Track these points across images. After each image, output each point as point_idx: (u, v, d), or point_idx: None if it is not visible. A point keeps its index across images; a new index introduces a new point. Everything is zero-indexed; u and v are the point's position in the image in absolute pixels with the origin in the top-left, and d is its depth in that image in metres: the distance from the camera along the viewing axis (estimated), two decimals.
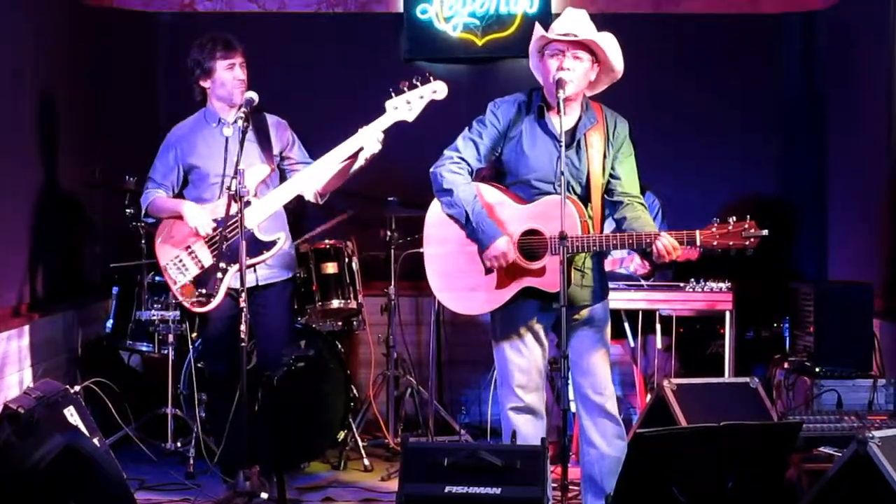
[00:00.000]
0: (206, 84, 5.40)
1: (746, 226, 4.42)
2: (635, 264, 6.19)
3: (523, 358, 4.71)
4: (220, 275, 5.21)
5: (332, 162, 5.20)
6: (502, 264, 4.57)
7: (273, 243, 5.26)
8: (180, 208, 5.34)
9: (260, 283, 5.38)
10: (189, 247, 5.32)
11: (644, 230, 4.55)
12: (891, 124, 5.99)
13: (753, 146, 7.28)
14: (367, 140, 5.11)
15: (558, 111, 4.46)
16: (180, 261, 5.32)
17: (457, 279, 4.71)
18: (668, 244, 4.45)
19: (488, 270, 4.63)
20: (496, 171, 4.77)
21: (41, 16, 6.22)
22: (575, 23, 4.54)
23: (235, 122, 5.28)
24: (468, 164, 4.68)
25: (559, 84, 4.45)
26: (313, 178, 5.29)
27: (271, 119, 5.51)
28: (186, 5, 7.43)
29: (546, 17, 6.92)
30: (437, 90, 5.07)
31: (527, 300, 4.66)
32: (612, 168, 4.69)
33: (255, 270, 5.29)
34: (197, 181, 5.45)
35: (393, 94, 5.08)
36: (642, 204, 4.72)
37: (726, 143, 7.28)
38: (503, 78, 7.20)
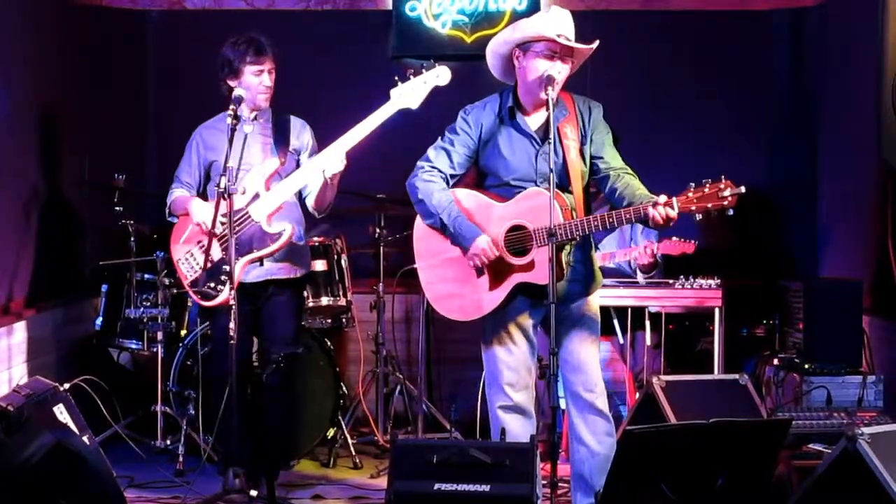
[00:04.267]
0: (232, 83, 5.41)
1: (722, 185, 4.28)
2: (636, 254, 6.08)
3: (512, 356, 4.71)
4: (226, 268, 5.22)
5: (338, 151, 5.16)
6: (484, 261, 4.57)
7: (280, 235, 5.27)
8: (188, 205, 5.37)
9: (266, 278, 5.37)
10: (200, 241, 5.36)
11: (636, 194, 4.48)
12: (880, 121, 5.99)
13: (743, 143, 7.28)
14: (330, 161, 5.11)
15: (531, 111, 4.51)
16: (192, 255, 5.38)
17: (451, 287, 4.72)
18: (661, 213, 4.33)
19: (479, 273, 4.63)
20: (478, 175, 4.77)
21: (30, 14, 6.19)
22: (569, 26, 4.56)
23: (255, 119, 5.38)
24: (441, 172, 4.69)
25: (549, 82, 4.46)
26: (318, 168, 5.25)
27: (296, 120, 5.54)
28: (175, 3, 7.40)
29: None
30: (441, 75, 5.12)
31: (518, 297, 4.65)
32: (592, 151, 4.68)
33: (262, 263, 5.31)
34: (216, 176, 5.47)
35: (398, 83, 5.10)
36: (629, 172, 4.65)
37: (716, 140, 7.26)
38: (492, 76, 7.14)
